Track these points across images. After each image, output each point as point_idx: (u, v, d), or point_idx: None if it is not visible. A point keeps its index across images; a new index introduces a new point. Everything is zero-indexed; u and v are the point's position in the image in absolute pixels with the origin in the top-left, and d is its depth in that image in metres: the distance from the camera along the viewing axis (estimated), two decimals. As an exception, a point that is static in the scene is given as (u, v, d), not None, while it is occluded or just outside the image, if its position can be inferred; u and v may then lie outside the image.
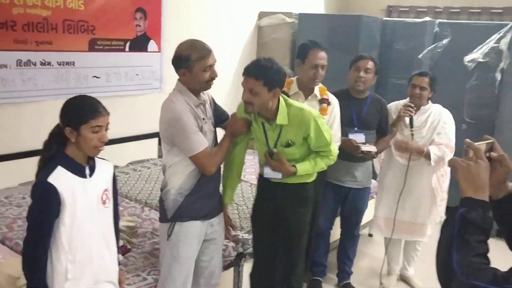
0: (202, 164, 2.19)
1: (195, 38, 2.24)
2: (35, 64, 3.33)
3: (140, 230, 2.89)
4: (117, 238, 2.00)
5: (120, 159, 4.16)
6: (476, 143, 1.28)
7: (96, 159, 1.87)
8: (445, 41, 4.69)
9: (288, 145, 2.34)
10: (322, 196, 3.09)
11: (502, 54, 4.38)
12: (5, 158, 3.30)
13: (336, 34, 4.87)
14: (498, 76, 4.42)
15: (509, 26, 4.38)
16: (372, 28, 4.87)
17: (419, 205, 3.27)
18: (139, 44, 4.07)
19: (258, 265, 2.66)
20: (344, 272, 3.38)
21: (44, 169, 1.74)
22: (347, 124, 3.02)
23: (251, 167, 4.09)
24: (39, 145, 1.86)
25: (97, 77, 3.77)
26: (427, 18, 4.91)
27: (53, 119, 1.82)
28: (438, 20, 4.94)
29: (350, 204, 3.22)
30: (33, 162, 1.85)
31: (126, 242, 2.67)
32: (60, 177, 1.72)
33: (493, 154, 1.30)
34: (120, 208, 3.16)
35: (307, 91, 2.77)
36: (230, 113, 2.47)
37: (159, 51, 4.23)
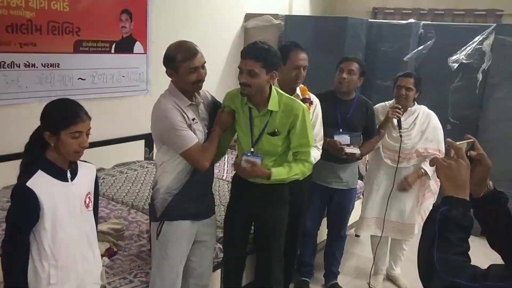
0: (195, 159, 2.19)
1: (185, 39, 2.25)
2: (19, 66, 3.30)
3: (126, 233, 2.87)
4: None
5: (106, 161, 4.14)
6: (457, 143, 1.31)
7: (78, 162, 1.86)
8: (430, 43, 4.75)
9: (274, 133, 2.33)
10: (308, 197, 3.12)
11: (485, 55, 4.44)
12: (-11, 161, 3.26)
13: (322, 36, 4.90)
14: (480, 76, 4.48)
15: (491, 27, 4.44)
16: (358, 29, 4.91)
17: (406, 206, 3.31)
18: (125, 45, 4.05)
19: (229, 266, 2.66)
20: (331, 273, 3.40)
21: (25, 173, 1.72)
22: (332, 126, 3.03)
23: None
24: (23, 148, 1.84)
25: (82, 79, 3.74)
26: (411, 20, 4.96)
27: (38, 122, 1.81)
28: (422, 22, 5.00)
29: (336, 205, 3.24)
30: (17, 165, 1.83)
31: (112, 245, 2.65)
32: (40, 182, 1.70)
33: (473, 153, 1.32)
34: (107, 211, 3.18)
35: (288, 92, 2.77)
36: None
37: (145, 53, 4.21)
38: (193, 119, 2.23)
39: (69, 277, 1.79)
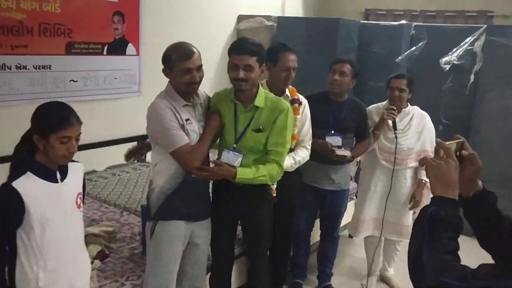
0: (183, 160, 2.19)
1: (184, 42, 2.26)
2: (10, 68, 3.27)
3: (119, 235, 2.86)
4: None
5: (99, 164, 4.12)
6: (446, 143, 1.31)
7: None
8: (421, 44, 4.77)
9: (258, 130, 2.34)
10: (300, 199, 3.13)
11: (476, 57, 4.47)
12: (-21, 164, 3.24)
13: (315, 37, 4.91)
14: (472, 78, 4.50)
15: (482, 29, 4.47)
16: (350, 31, 4.93)
17: (403, 207, 3.31)
18: (117, 47, 4.03)
19: (216, 268, 2.66)
20: (324, 274, 3.40)
21: (13, 175, 1.71)
22: (324, 127, 3.04)
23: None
24: (14, 151, 1.83)
25: (74, 81, 3.72)
26: (403, 21, 4.98)
27: (29, 124, 1.79)
28: (414, 23, 5.02)
29: (329, 206, 3.24)
30: (8, 168, 1.81)
31: (104, 247, 2.64)
32: (28, 183, 1.69)
33: (464, 152, 1.33)
34: (99, 213, 3.17)
35: (278, 93, 2.77)
36: None
37: (138, 55, 4.19)
38: (187, 120, 2.23)
39: (58, 280, 1.77)
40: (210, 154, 2.46)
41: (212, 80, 4.87)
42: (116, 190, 3.64)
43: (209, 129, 2.30)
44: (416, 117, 3.28)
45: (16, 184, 1.66)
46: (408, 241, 3.20)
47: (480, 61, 4.45)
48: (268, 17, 5.23)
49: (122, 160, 4.27)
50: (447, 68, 4.60)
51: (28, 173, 1.71)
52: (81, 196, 1.87)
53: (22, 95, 3.37)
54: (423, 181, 3.22)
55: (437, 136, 3.32)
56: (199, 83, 2.23)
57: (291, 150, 2.74)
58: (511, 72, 4.35)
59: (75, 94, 3.73)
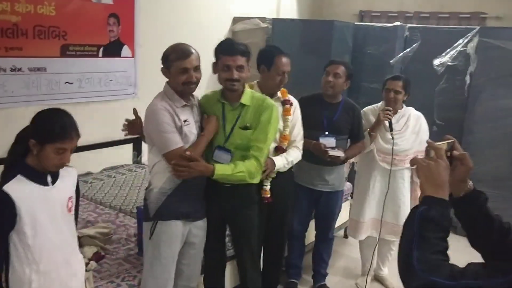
0: (174, 164, 2.19)
1: (183, 42, 2.29)
2: (5, 70, 3.28)
3: (114, 237, 2.87)
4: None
5: (95, 165, 4.12)
6: (437, 143, 1.33)
7: None
8: (415, 45, 4.80)
9: (246, 128, 2.38)
10: (294, 199, 3.15)
11: (470, 58, 4.50)
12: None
13: (309, 39, 4.94)
14: (468, 79, 4.54)
15: (475, 30, 4.51)
16: (344, 32, 4.95)
17: (401, 207, 3.33)
18: (113, 49, 4.04)
19: (209, 268, 2.68)
20: (319, 274, 3.42)
21: (4, 177, 1.71)
22: (318, 128, 3.06)
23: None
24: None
25: (69, 83, 3.72)
26: (397, 23, 5.02)
27: (25, 126, 1.79)
28: (408, 25, 5.05)
29: (323, 207, 3.26)
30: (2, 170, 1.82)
31: (100, 249, 2.65)
32: (19, 186, 1.68)
33: (455, 153, 1.35)
34: (94, 215, 3.17)
35: (269, 95, 2.79)
36: None
37: (133, 57, 4.21)
38: (185, 121, 2.25)
39: (51, 282, 1.77)
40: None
41: (207, 81, 4.88)
42: (111, 192, 3.64)
43: (206, 133, 2.31)
44: (412, 118, 3.30)
45: (7, 187, 1.66)
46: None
47: (474, 62, 4.48)
48: (263, 19, 5.26)
49: (117, 162, 4.30)
50: (441, 70, 4.63)
51: (19, 176, 1.71)
52: (72, 199, 1.86)
53: (16, 97, 3.38)
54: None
55: (431, 136, 3.34)
56: (196, 83, 2.25)
57: (284, 150, 2.76)
58: (504, 73, 4.38)
59: (70, 96, 3.74)
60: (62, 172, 1.84)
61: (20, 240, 1.70)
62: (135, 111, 2.49)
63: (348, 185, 3.97)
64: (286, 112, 2.79)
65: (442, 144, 1.34)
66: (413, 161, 1.29)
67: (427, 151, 1.31)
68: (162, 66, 2.27)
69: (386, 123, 3.19)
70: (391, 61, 4.80)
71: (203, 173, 2.23)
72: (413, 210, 1.19)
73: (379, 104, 3.37)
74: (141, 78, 4.25)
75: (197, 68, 2.23)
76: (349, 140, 3.25)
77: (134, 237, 2.85)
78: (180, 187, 2.26)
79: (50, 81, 3.58)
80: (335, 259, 3.84)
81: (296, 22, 5.49)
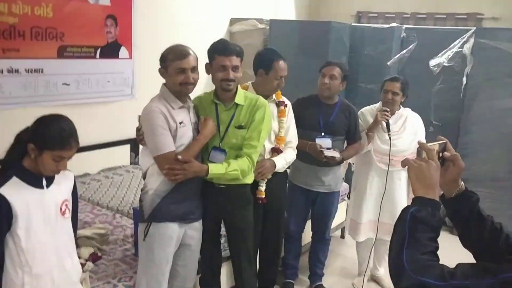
0: (162, 166, 2.21)
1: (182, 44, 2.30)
2: (2, 72, 3.28)
3: (111, 237, 2.88)
4: (76, 247, 2.02)
5: (92, 166, 4.13)
6: (429, 144, 1.35)
7: None
8: (412, 46, 4.82)
9: (240, 127, 2.41)
10: (291, 200, 3.18)
11: (466, 59, 4.52)
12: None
13: (306, 40, 4.95)
14: (464, 80, 4.55)
15: (471, 31, 4.52)
16: (341, 33, 4.97)
17: (398, 208, 3.33)
18: (110, 51, 4.05)
19: (205, 269, 2.69)
20: (315, 275, 3.43)
21: (0, 179, 1.71)
22: (314, 129, 3.08)
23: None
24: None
25: (67, 84, 3.73)
26: (394, 24, 5.03)
27: (22, 128, 1.80)
28: (404, 26, 5.07)
29: (319, 208, 3.27)
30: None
31: (96, 249, 2.66)
32: (14, 189, 1.69)
33: (446, 154, 1.36)
34: (91, 216, 3.18)
35: (264, 97, 2.80)
36: None
37: (130, 58, 4.21)
38: (181, 122, 2.25)
39: (45, 285, 1.78)
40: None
41: (204, 83, 4.89)
42: (109, 193, 3.65)
43: (202, 137, 2.31)
44: (410, 119, 3.31)
45: (3, 190, 1.67)
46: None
47: (470, 63, 4.50)
48: (260, 20, 5.27)
49: (115, 163, 4.31)
50: (437, 70, 4.65)
51: (14, 178, 1.72)
52: (68, 203, 1.86)
53: (14, 98, 3.38)
54: None
55: (427, 137, 3.36)
56: (193, 84, 2.26)
57: (280, 151, 2.78)
58: (500, 73, 4.41)
59: (68, 97, 3.75)
60: (59, 175, 1.84)
61: (13, 243, 1.71)
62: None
63: (344, 185, 3.98)
64: (281, 114, 2.81)
65: (434, 145, 1.36)
66: (405, 162, 1.30)
67: (419, 152, 1.32)
68: (160, 66, 2.28)
69: (384, 123, 3.20)
70: (388, 63, 4.82)
71: (197, 173, 2.25)
72: (404, 210, 1.20)
73: (377, 104, 3.38)
74: (139, 79, 4.26)
75: (194, 69, 2.24)
76: (346, 141, 3.26)
77: (131, 237, 2.86)
78: (175, 189, 2.26)
79: (48, 83, 3.59)
80: (332, 259, 3.86)
81: (293, 23, 5.51)
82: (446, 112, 4.70)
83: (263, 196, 2.70)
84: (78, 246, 2.37)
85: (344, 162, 3.46)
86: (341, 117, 3.15)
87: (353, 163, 3.72)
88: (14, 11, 3.28)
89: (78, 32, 3.73)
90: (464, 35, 4.54)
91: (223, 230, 2.70)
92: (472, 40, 4.49)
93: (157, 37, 4.21)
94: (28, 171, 1.74)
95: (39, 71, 3.50)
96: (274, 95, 2.84)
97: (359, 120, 3.32)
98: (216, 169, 2.29)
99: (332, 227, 3.56)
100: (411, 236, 1.13)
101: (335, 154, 3.00)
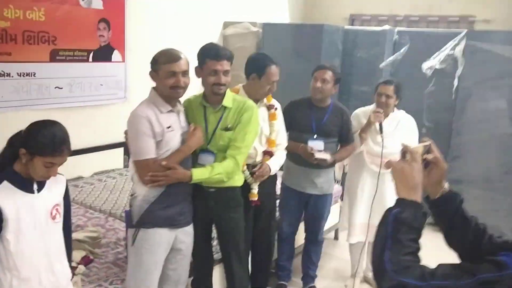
0: (139, 174, 2.22)
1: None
2: (-6, 75, 3.30)
3: (104, 240, 2.89)
4: (70, 251, 2.01)
5: (85, 170, 4.13)
6: (413, 146, 1.36)
7: None
8: (404, 49, 4.85)
9: (227, 129, 2.42)
10: (284, 202, 3.20)
11: (458, 61, 4.55)
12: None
13: (299, 43, 4.98)
14: (456, 82, 4.59)
15: (462, 34, 4.56)
16: (334, 36, 5.00)
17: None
18: (103, 54, 4.06)
19: (197, 271, 2.70)
20: (308, 276, 3.44)
21: None
22: (307, 131, 3.09)
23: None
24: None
25: (59, 88, 3.73)
26: (386, 27, 5.06)
27: (14, 131, 1.81)
28: (397, 29, 5.10)
29: (312, 210, 3.28)
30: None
31: (88, 252, 2.66)
32: (5, 193, 1.70)
33: (428, 156, 1.37)
34: (84, 219, 3.18)
35: (255, 100, 2.81)
36: None
37: (123, 61, 4.22)
38: (169, 127, 2.23)
39: None
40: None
41: (198, 86, 4.91)
42: (102, 196, 3.66)
43: (186, 147, 2.28)
44: (403, 121, 3.33)
45: None
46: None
47: (461, 65, 4.53)
48: (253, 23, 5.29)
49: (108, 166, 4.31)
50: (430, 73, 4.68)
51: (5, 182, 1.72)
52: (59, 207, 1.87)
53: (6, 102, 3.38)
54: None
55: (419, 139, 3.37)
56: (184, 88, 2.25)
57: (272, 154, 2.80)
58: (491, 75, 4.44)
59: (61, 101, 3.75)
60: (50, 179, 1.84)
61: (2, 246, 1.71)
62: None
63: (338, 187, 4.00)
64: (272, 117, 2.83)
65: (418, 147, 1.37)
66: (388, 164, 1.32)
67: (403, 154, 1.34)
68: (151, 70, 2.27)
69: (377, 125, 3.21)
70: (380, 66, 4.84)
71: (180, 179, 2.24)
72: (387, 212, 1.22)
73: (371, 106, 3.39)
74: (132, 82, 4.27)
75: (185, 73, 2.23)
76: (337, 143, 3.27)
77: (123, 240, 2.87)
78: (164, 195, 2.25)
79: (40, 86, 3.59)
80: (325, 261, 3.87)
81: (286, 26, 5.54)
82: (438, 114, 4.73)
83: (257, 199, 2.72)
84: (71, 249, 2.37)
85: (340, 163, 3.48)
86: (334, 120, 3.16)
87: (346, 165, 3.74)
88: (6, 15, 3.28)
89: (71, 35, 3.73)
90: (456, 38, 4.57)
91: (214, 233, 2.70)
92: (463, 42, 4.52)
93: (150, 40, 4.22)
94: (19, 175, 1.75)
95: (31, 75, 3.50)
96: (265, 99, 2.86)
97: (353, 122, 3.33)
98: (199, 174, 2.29)
99: (325, 229, 3.57)
100: (393, 237, 1.15)
101: (326, 156, 3.01)
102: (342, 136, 3.22)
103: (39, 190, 1.80)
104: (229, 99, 2.44)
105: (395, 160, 1.32)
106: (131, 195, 2.36)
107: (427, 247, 1.25)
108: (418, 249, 1.16)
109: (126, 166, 4.42)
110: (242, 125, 2.41)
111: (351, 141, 3.25)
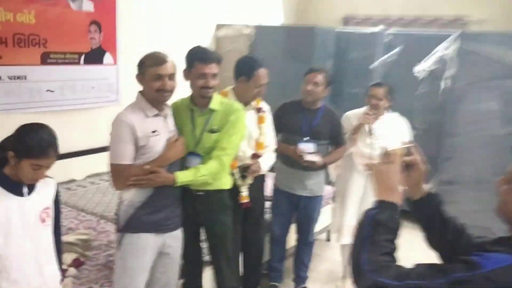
0: (112, 178, 2.22)
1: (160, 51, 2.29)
2: (-16, 79, 3.30)
3: (95, 243, 2.89)
4: (60, 253, 2.01)
5: (78, 173, 4.13)
6: (395, 148, 1.38)
7: None
8: (395, 51, 4.87)
9: (213, 131, 2.42)
10: (274, 203, 3.21)
11: (449, 63, 4.57)
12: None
13: (291, 45, 5.00)
14: (443, 84, 4.60)
15: (455, 35, 4.57)
16: (326, 38, 5.01)
17: None
18: (95, 57, 4.06)
19: (187, 274, 2.72)
20: (299, 277, 3.45)
21: None
22: (298, 134, 3.11)
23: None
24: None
25: (51, 91, 3.74)
26: (378, 28, 5.08)
27: (6, 135, 1.82)
28: (388, 31, 5.12)
29: (302, 212, 3.29)
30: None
31: (79, 255, 2.67)
32: None
33: (406, 158, 1.39)
34: (76, 222, 3.19)
35: (245, 103, 2.81)
36: None
37: (115, 64, 4.23)
38: (154, 131, 2.21)
39: None
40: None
41: (186, 88, 4.92)
42: (94, 199, 3.66)
43: (162, 159, 2.24)
44: (395, 124, 3.34)
45: None
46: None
47: (452, 67, 4.55)
48: (246, 26, 5.30)
49: (101, 169, 4.31)
50: (422, 77, 4.70)
51: None
52: (48, 211, 1.88)
53: (-4, 105, 3.39)
54: None
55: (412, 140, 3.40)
56: (170, 91, 2.23)
57: (259, 156, 2.82)
58: (484, 77, 4.46)
59: (52, 104, 3.75)
60: (40, 183, 1.86)
61: None
62: None
63: (329, 189, 4.01)
64: (260, 120, 2.84)
65: (398, 149, 1.39)
66: (368, 166, 1.33)
67: (383, 155, 1.35)
68: (137, 73, 2.25)
69: (367, 127, 3.23)
70: (370, 67, 4.86)
71: (164, 183, 2.23)
72: (365, 213, 1.24)
73: (362, 108, 3.40)
74: (124, 84, 4.27)
75: (172, 76, 2.21)
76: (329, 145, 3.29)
77: (115, 243, 2.87)
78: (150, 199, 2.23)
79: (31, 89, 3.59)
80: (317, 262, 3.88)
81: (278, 29, 5.56)
82: (431, 115, 4.75)
83: (247, 201, 2.73)
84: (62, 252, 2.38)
85: (336, 165, 3.49)
86: (324, 122, 3.18)
87: (339, 166, 3.75)
88: (-5, 18, 3.29)
89: (62, 38, 3.74)
90: (448, 39, 4.59)
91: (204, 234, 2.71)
92: (456, 44, 4.54)
93: (142, 42, 4.22)
94: (8, 178, 1.76)
95: (22, 78, 3.51)
96: (253, 101, 2.87)
97: (344, 124, 3.35)
98: (184, 177, 2.28)
99: (317, 230, 3.58)
100: (371, 238, 1.17)
101: (316, 158, 3.02)
102: (333, 139, 3.23)
103: (29, 193, 1.81)
104: (216, 102, 2.45)
105: (374, 162, 1.33)
106: (118, 199, 2.35)
107: (408, 247, 1.26)
108: (394, 249, 1.17)
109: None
110: (228, 127, 2.41)
111: (342, 144, 3.27)
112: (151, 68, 2.18)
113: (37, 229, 1.83)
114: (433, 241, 1.42)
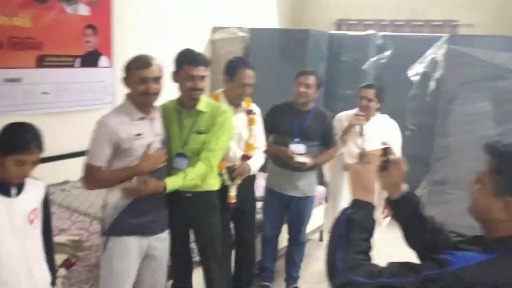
0: (84, 177, 2.23)
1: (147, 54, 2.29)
2: (-21, 82, 3.33)
3: (87, 244, 2.91)
4: (52, 254, 2.04)
5: (73, 174, 4.15)
6: (373, 149, 1.42)
7: (27, 179, 1.88)
8: (387, 53, 4.93)
9: (200, 132, 2.45)
10: (266, 204, 3.25)
11: (439, 64, 4.63)
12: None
13: (285, 48, 5.04)
14: (432, 85, 4.66)
15: (444, 38, 4.63)
16: (319, 41, 5.06)
17: None
18: (90, 59, 4.09)
19: (176, 275, 2.75)
20: (291, 277, 3.49)
21: None
22: (288, 135, 3.15)
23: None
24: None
25: (46, 93, 3.77)
26: (370, 31, 5.14)
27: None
28: (380, 33, 5.19)
29: (293, 213, 3.34)
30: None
31: (71, 256, 2.69)
32: None
33: (390, 157, 1.43)
34: (69, 223, 3.22)
35: (235, 104, 2.87)
36: None
37: (111, 66, 4.26)
38: (138, 134, 2.21)
39: None
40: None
41: (174, 91, 4.95)
42: (88, 200, 3.67)
43: (135, 170, 2.22)
44: (385, 125, 3.39)
45: None
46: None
47: (442, 69, 4.60)
48: (240, 28, 5.35)
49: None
50: (416, 79, 4.75)
51: None
52: (37, 212, 1.90)
53: (-9, 107, 3.41)
54: None
55: (404, 142, 3.46)
56: (155, 94, 2.22)
57: (249, 158, 2.85)
58: (473, 79, 4.50)
59: (48, 106, 3.77)
60: (29, 184, 1.88)
61: None
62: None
63: (322, 189, 4.05)
64: (251, 122, 2.88)
65: (376, 150, 1.43)
66: (345, 166, 1.38)
67: (360, 156, 1.40)
68: (123, 76, 2.26)
69: (358, 127, 3.28)
70: (362, 67, 4.91)
71: (154, 191, 2.23)
72: (342, 212, 1.28)
73: (353, 110, 3.46)
74: (119, 87, 4.28)
75: (157, 80, 2.20)
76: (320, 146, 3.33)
77: (107, 244, 2.90)
78: (134, 203, 2.23)
79: (26, 92, 3.61)
80: (310, 262, 3.91)
81: (273, 31, 5.59)
82: (422, 116, 4.80)
83: (234, 201, 2.77)
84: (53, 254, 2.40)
85: (329, 166, 3.53)
86: (315, 123, 3.22)
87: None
88: (-9, 22, 3.32)
89: (57, 41, 3.76)
90: (438, 42, 4.64)
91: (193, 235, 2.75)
92: (445, 46, 4.60)
93: (138, 45, 4.25)
94: None
95: (17, 81, 3.53)
96: (244, 104, 2.91)
97: (336, 125, 3.39)
98: (173, 183, 2.29)
99: (310, 230, 3.63)
100: (346, 237, 1.20)
101: (306, 159, 3.07)
102: (324, 140, 3.27)
103: (17, 194, 1.84)
104: (203, 104, 2.49)
105: (352, 163, 1.38)
106: (103, 203, 2.35)
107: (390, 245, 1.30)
108: (369, 248, 1.21)
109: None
110: (216, 128, 2.44)
111: (334, 145, 3.31)
112: (136, 71, 2.19)
113: (26, 230, 1.85)
114: (411, 239, 1.46)
